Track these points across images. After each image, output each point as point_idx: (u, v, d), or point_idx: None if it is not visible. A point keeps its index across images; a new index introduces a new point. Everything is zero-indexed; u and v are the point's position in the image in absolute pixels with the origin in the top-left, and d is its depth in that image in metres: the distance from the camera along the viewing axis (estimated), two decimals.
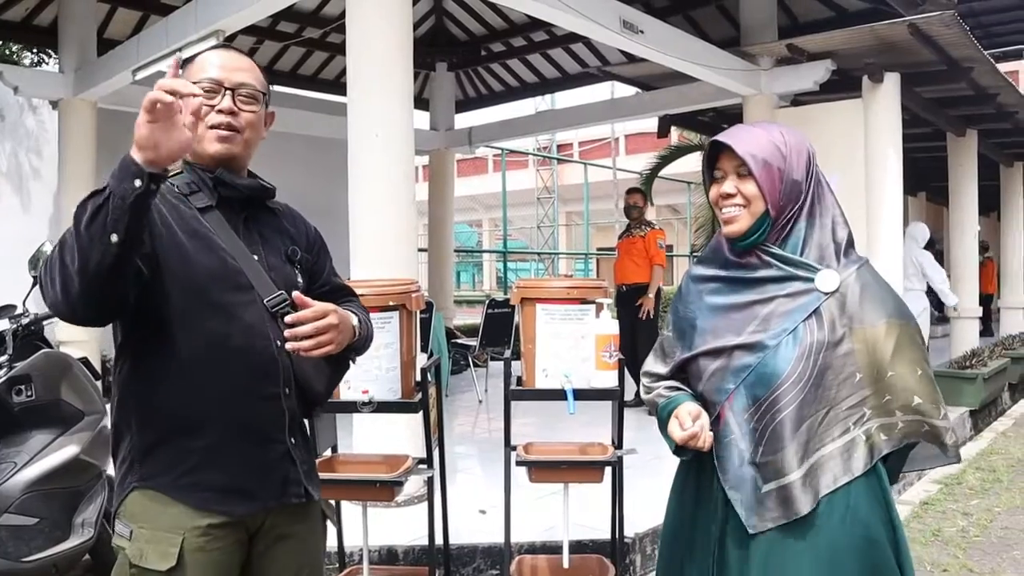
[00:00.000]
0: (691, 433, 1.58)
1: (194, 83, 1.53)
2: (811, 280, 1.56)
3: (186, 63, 1.66)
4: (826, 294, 1.55)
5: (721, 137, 1.62)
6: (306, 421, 1.70)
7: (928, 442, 1.57)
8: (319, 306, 1.50)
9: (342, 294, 1.80)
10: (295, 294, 1.52)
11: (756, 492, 1.54)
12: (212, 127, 1.58)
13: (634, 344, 6.11)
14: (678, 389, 1.71)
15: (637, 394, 6.63)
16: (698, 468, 1.69)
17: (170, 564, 1.45)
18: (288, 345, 1.49)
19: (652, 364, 1.81)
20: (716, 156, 1.65)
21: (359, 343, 1.66)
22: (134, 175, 1.26)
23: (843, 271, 1.56)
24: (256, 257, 1.60)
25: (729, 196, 1.61)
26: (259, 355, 1.54)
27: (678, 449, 1.65)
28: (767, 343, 1.55)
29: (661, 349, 1.80)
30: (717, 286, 1.67)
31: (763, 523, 1.53)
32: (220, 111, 1.58)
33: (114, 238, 1.25)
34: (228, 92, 1.59)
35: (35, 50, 8.85)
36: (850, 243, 1.61)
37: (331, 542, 2.69)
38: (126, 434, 1.53)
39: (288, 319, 1.47)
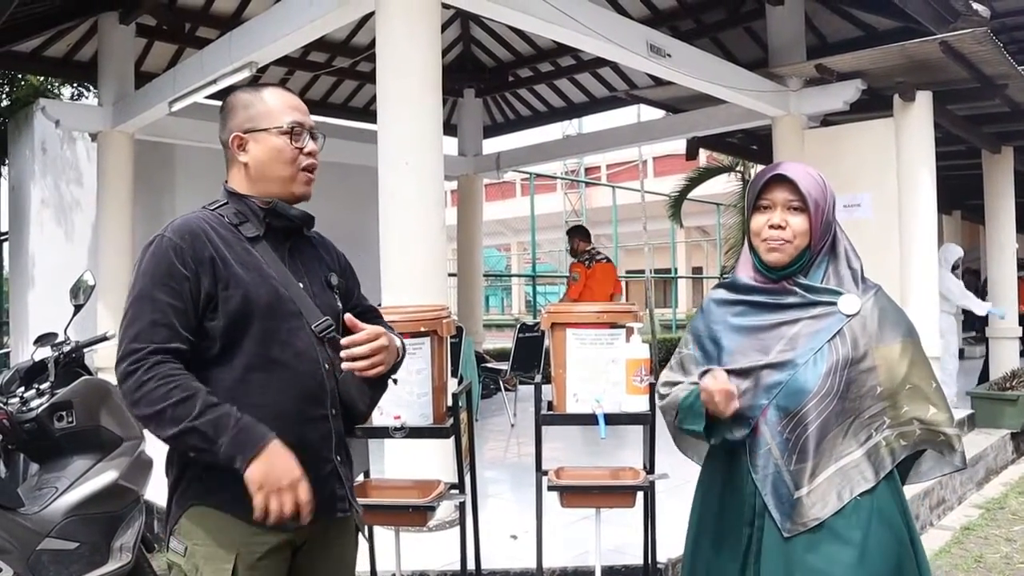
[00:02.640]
0: (725, 387, 1.66)
1: (274, 126, 1.65)
2: (833, 304, 1.72)
3: (236, 98, 1.72)
4: (848, 316, 1.70)
5: (782, 171, 1.75)
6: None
7: (941, 450, 1.73)
8: (371, 329, 1.61)
9: (372, 316, 1.87)
10: (347, 317, 1.63)
11: (790, 497, 1.66)
12: (304, 169, 1.68)
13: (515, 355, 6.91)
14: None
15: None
16: (726, 473, 1.80)
17: None
18: (344, 365, 1.60)
19: (669, 376, 1.92)
20: (765, 187, 1.77)
21: (399, 363, 1.76)
22: (233, 466, 1.46)
23: (862, 296, 1.73)
24: (301, 285, 1.66)
25: (779, 228, 1.73)
26: (310, 379, 1.62)
27: (708, 428, 1.74)
28: (797, 361, 1.69)
29: (680, 365, 1.91)
30: (742, 309, 1.80)
31: (796, 527, 1.65)
32: (311, 153, 1.69)
33: (191, 456, 1.52)
34: (313, 136, 1.70)
35: (75, 84, 9.09)
36: (863, 270, 1.79)
37: (364, 566, 2.69)
38: (182, 456, 1.59)
39: (344, 342, 1.58)
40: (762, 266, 1.78)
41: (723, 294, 1.87)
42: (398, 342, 1.74)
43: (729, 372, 1.73)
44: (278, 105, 1.68)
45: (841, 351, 1.68)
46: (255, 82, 1.79)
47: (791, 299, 1.74)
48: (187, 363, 1.53)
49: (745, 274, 1.83)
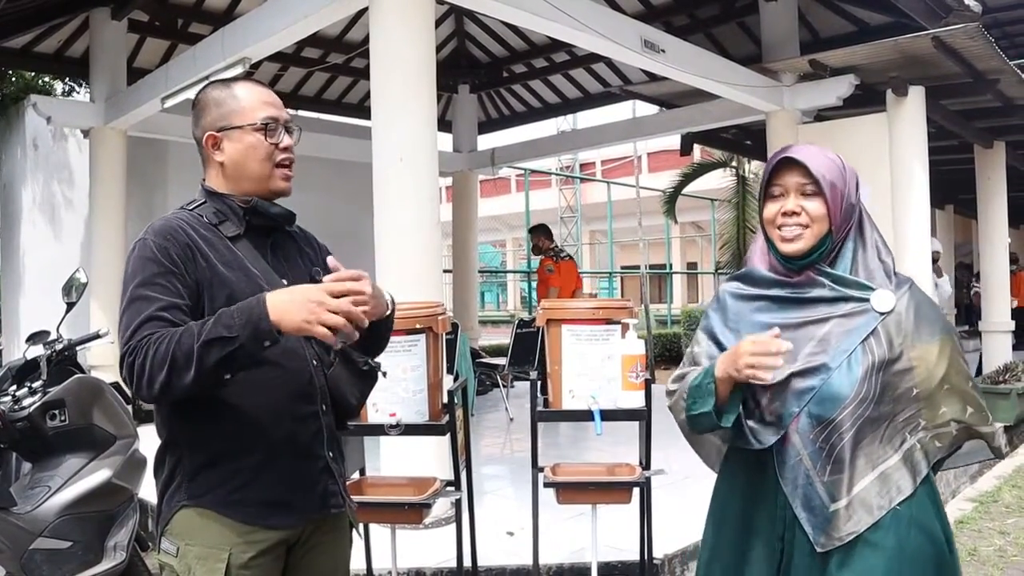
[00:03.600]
0: (767, 347, 1.50)
1: (248, 124, 1.62)
2: (865, 300, 1.58)
3: (207, 95, 1.69)
4: (882, 314, 1.58)
5: (792, 154, 1.62)
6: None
7: (990, 449, 1.66)
8: (354, 272, 1.47)
9: None
10: (330, 259, 1.53)
11: (824, 510, 1.56)
12: (280, 165, 1.65)
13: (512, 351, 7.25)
14: None
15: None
16: (747, 483, 1.68)
17: None
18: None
19: (679, 373, 1.78)
20: (775, 173, 1.64)
21: (390, 322, 1.71)
22: (267, 337, 1.39)
23: (896, 291, 1.60)
24: (285, 281, 1.64)
25: (793, 214, 1.61)
26: (299, 376, 1.61)
27: (717, 412, 1.60)
28: (830, 365, 1.56)
29: (692, 362, 1.77)
30: (763, 304, 1.67)
31: (831, 541, 1.55)
32: (287, 148, 1.66)
33: (227, 376, 1.42)
34: (287, 129, 1.66)
35: (66, 80, 9.05)
36: (895, 264, 1.65)
37: (359, 564, 2.69)
38: (175, 454, 1.58)
39: (327, 279, 1.43)
40: (780, 258, 1.64)
41: (739, 287, 1.72)
42: (387, 296, 1.66)
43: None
44: (250, 101, 1.65)
45: (876, 352, 1.56)
46: (246, 79, 1.74)
47: (817, 292, 1.61)
48: None
49: (764, 265, 1.69)
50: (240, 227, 1.64)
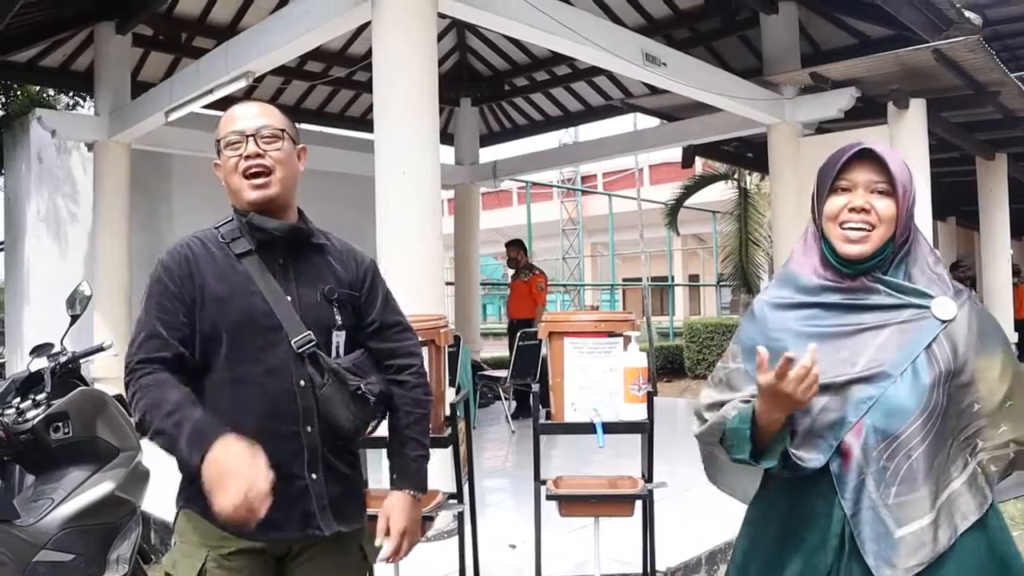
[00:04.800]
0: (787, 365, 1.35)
1: (219, 140, 1.69)
2: (925, 308, 1.47)
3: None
4: (944, 322, 1.46)
5: (872, 146, 1.48)
6: (352, 455, 1.80)
7: None
8: (380, 522, 1.75)
9: (391, 333, 1.84)
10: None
11: (889, 537, 1.41)
12: (245, 176, 1.66)
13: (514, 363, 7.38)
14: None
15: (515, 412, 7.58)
16: (789, 510, 1.52)
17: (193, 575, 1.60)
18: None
19: (711, 396, 1.60)
20: (845, 164, 1.50)
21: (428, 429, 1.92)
22: (191, 470, 1.51)
23: (956, 299, 1.48)
24: (289, 298, 1.64)
25: (863, 211, 1.47)
26: (280, 396, 1.62)
27: (755, 455, 1.47)
28: (890, 372, 1.43)
29: (726, 383, 1.60)
30: (812, 312, 1.52)
31: (896, 572, 1.40)
32: (247, 157, 1.66)
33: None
34: (250, 138, 1.67)
35: (71, 94, 9.10)
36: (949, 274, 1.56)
37: None
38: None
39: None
40: (837, 260, 1.50)
41: (780, 296, 1.56)
42: (422, 470, 1.89)
43: None
44: (224, 122, 1.71)
45: (942, 361, 1.44)
46: (249, 93, 1.79)
47: (875, 299, 1.48)
48: (182, 368, 1.62)
49: (809, 270, 1.54)
50: (251, 243, 1.67)
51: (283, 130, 1.70)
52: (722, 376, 1.61)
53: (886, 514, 1.41)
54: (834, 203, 1.50)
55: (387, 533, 1.75)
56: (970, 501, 1.43)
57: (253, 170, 1.65)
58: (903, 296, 1.48)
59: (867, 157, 1.48)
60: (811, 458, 1.45)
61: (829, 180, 1.50)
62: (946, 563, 1.40)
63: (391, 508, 1.78)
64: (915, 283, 1.49)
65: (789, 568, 1.50)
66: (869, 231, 1.47)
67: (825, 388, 1.43)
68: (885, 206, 1.47)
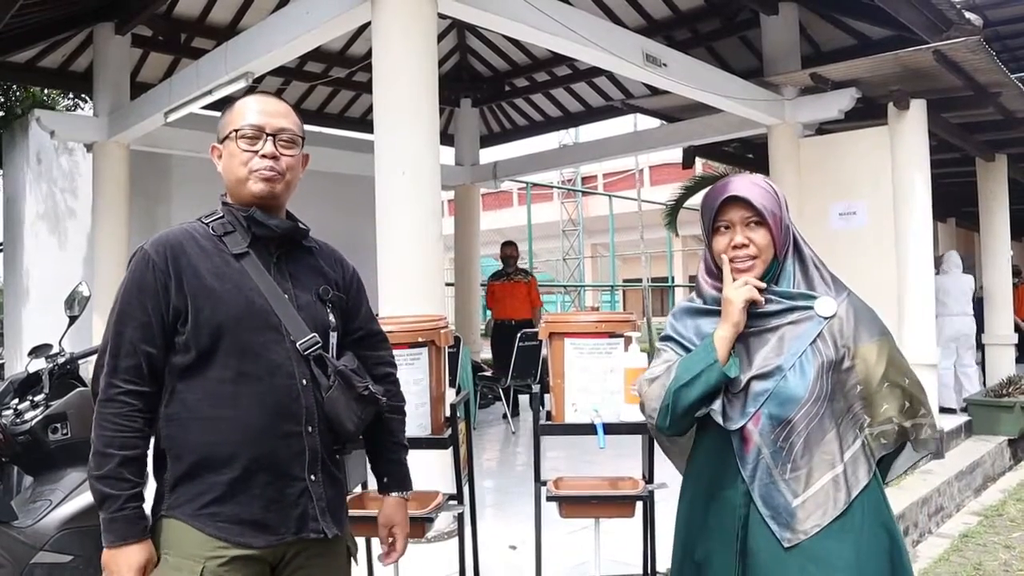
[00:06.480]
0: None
1: (235, 130, 1.63)
2: (809, 308, 1.71)
3: (224, 107, 1.73)
4: (826, 318, 1.71)
5: (734, 191, 1.73)
6: (337, 457, 1.73)
7: (917, 444, 1.73)
8: (386, 534, 1.84)
9: (374, 342, 1.84)
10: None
11: (787, 507, 1.65)
12: (254, 171, 1.63)
13: (515, 363, 7.37)
14: None
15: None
16: (710, 484, 1.76)
17: None
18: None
19: (653, 372, 1.85)
20: (718, 209, 1.75)
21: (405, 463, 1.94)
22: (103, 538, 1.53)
23: (836, 297, 1.73)
24: (286, 296, 1.62)
25: (743, 246, 1.73)
26: (283, 393, 1.59)
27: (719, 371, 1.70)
28: (783, 366, 1.68)
29: (662, 364, 1.85)
30: (716, 319, 1.75)
31: (796, 536, 1.63)
32: (264, 156, 1.63)
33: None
34: (270, 138, 1.64)
35: (70, 95, 9.09)
36: (832, 274, 1.80)
37: None
38: (160, 466, 1.59)
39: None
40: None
41: (693, 304, 1.85)
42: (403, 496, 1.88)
43: None
44: (242, 110, 1.66)
45: (824, 353, 1.68)
46: (249, 94, 1.76)
47: (767, 307, 1.73)
48: (155, 380, 1.58)
49: (709, 287, 1.80)
50: (246, 238, 1.64)
51: (302, 137, 1.71)
52: (658, 361, 1.86)
53: (784, 487, 1.66)
54: (719, 243, 1.77)
55: (391, 541, 1.80)
56: (859, 470, 1.66)
57: (267, 174, 1.63)
58: (790, 301, 1.73)
59: (737, 198, 1.73)
60: (731, 420, 1.70)
61: (710, 223, 1.78)
62: (839, 524, 1.63)
63: (391, 517, 1.81)
64: (802, 285, 1.75)
65: (714, 534, 1.74)
66: (753, 260, 1.73)
67: (733, 382, 1.70)
68: (761, 235, 1.73)
